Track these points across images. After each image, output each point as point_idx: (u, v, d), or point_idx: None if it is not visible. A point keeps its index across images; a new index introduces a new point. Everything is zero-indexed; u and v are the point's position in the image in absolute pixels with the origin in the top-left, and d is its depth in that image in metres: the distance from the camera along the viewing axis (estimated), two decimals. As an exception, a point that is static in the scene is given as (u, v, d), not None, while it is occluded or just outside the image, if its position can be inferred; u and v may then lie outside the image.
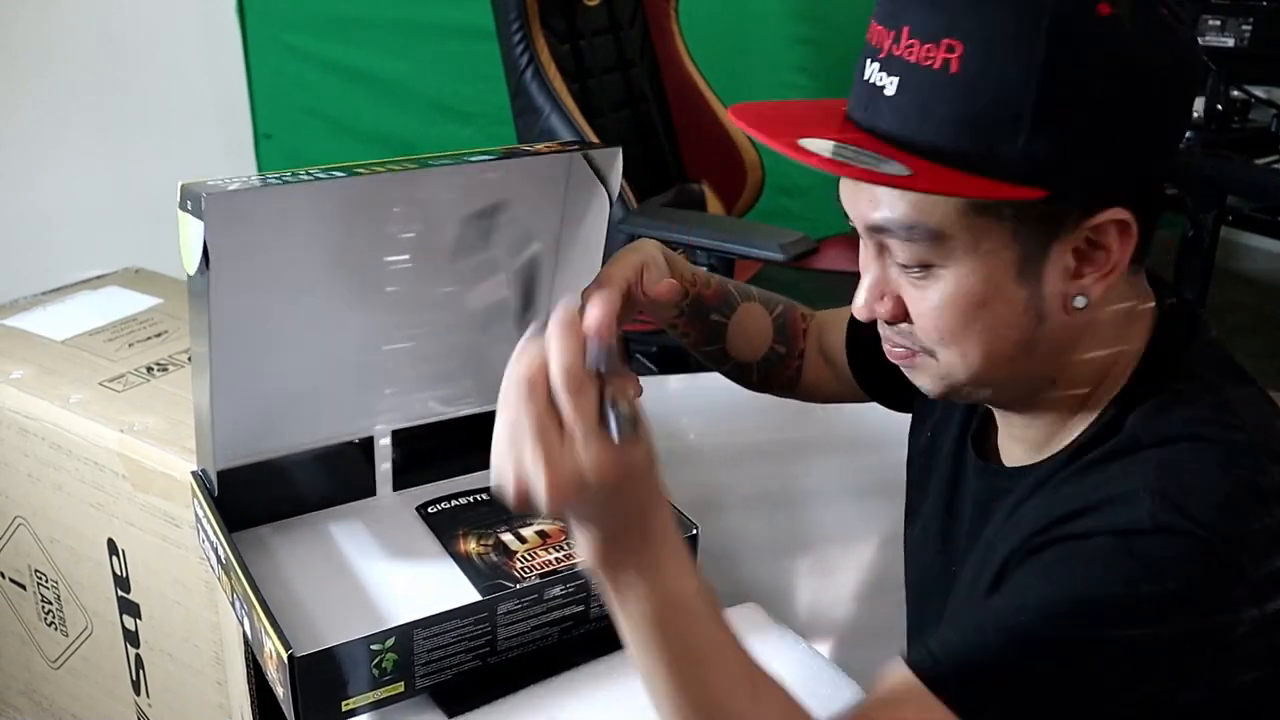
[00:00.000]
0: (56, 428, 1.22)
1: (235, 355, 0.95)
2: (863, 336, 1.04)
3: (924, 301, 0.76)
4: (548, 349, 0.63)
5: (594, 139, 1.98)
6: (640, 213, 1.90)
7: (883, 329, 0.80)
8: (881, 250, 0.77)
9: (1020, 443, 0.84)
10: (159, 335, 1.38)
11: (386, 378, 1.06)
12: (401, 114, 2.79)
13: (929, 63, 0.69)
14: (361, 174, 0.90)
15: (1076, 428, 0.79)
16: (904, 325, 0.78)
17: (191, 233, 0.86)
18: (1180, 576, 0.67)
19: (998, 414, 0.86)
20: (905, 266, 0.75)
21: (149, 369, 1.30)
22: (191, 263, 0.87)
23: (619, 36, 2.23)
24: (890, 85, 0.71)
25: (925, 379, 0.80)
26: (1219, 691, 0.69)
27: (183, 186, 0.86)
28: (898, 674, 0.70)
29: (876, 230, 0.75)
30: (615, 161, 1.00)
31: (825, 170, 0.71)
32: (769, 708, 0.70)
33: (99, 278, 1.57)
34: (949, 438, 0.94)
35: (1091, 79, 0.69)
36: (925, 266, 0.74)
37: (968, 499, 0.89)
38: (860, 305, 0.79)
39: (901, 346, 0.80)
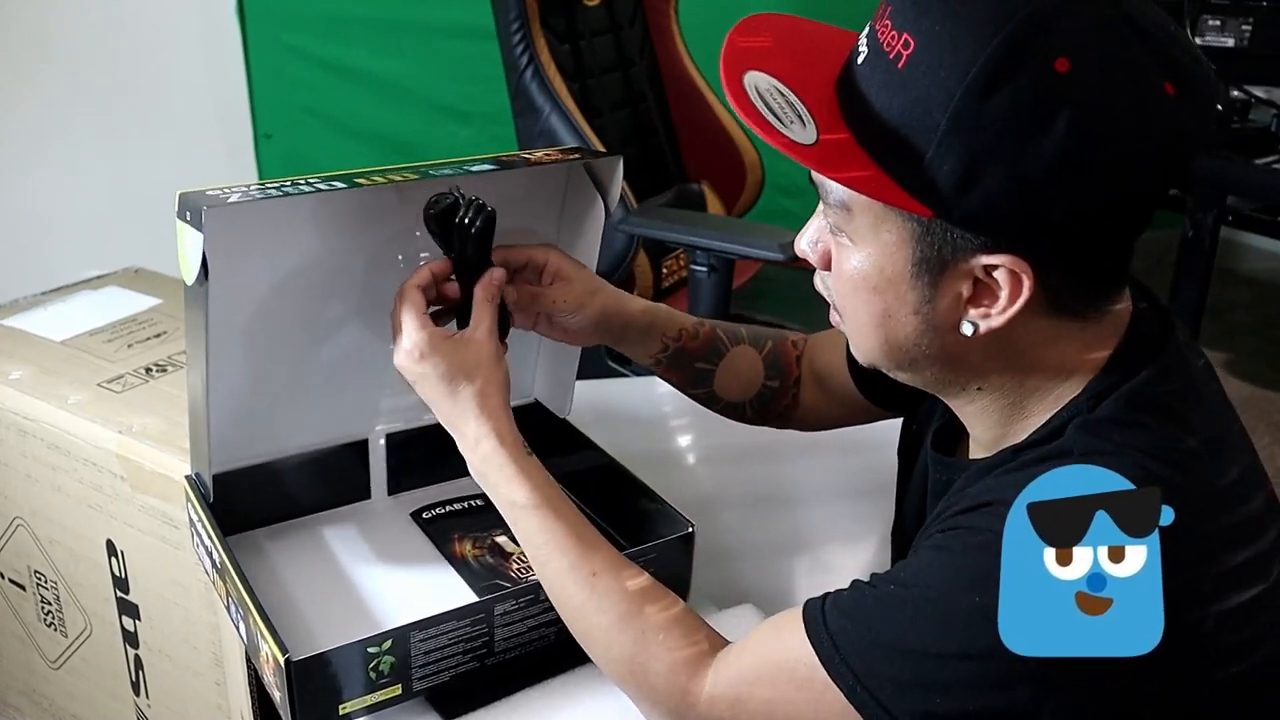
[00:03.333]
0: (55, 428, 1.22)
1: (230, 361, 0.96)
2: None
3: (837, 264, 0.78)
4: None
5: (594, 139, 1.98)
6: (640, 213, 1.90)
7: (816, 277, 0.84)
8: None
9: (975, 438, 0.84)
10: (158, 336, 1.38)
11: (382, 381, 1.06)
12: (401, 114, 2.79)
13: (888, 50, 0.70)
14: (362, 184, 0.90)
15: (1028, 429, 0.79)
16: (826, 277, 0.81)
17: (190, 243, 0.85)
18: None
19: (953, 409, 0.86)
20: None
21: (148, 370, 1.29)
22: (190, 273, 0.87)
23: (619, 36, 2.23)
24: (861, 55, 0.73)
25: (846, 338, 0.83)
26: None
27: (181, 196, 0.86)
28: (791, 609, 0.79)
29: (813, 183, 0.77)
30: (616, 170, 1.00)
31: (739, 116, 0.72)
32: (608, 600, 0.85)
33: (99, 278, 1.56)
34: (919, 434, 0.95)
35: (1018, 118, 0.66)
36: (840, 233, 0.77)
37: (926, 490, 0.90)
38: (799, 241, 0.82)
39: (827, 300, 0.83)
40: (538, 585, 0.94)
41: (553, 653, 0.97)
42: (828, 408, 1.10)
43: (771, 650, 0.78)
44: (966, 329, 0.74)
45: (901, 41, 0.69)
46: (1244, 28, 2.16)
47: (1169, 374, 0.76)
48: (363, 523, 1.10)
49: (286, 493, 1.07)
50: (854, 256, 0.76)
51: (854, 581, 0.77)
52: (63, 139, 2.53)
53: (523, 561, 1.03)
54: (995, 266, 0.71)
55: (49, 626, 1.37)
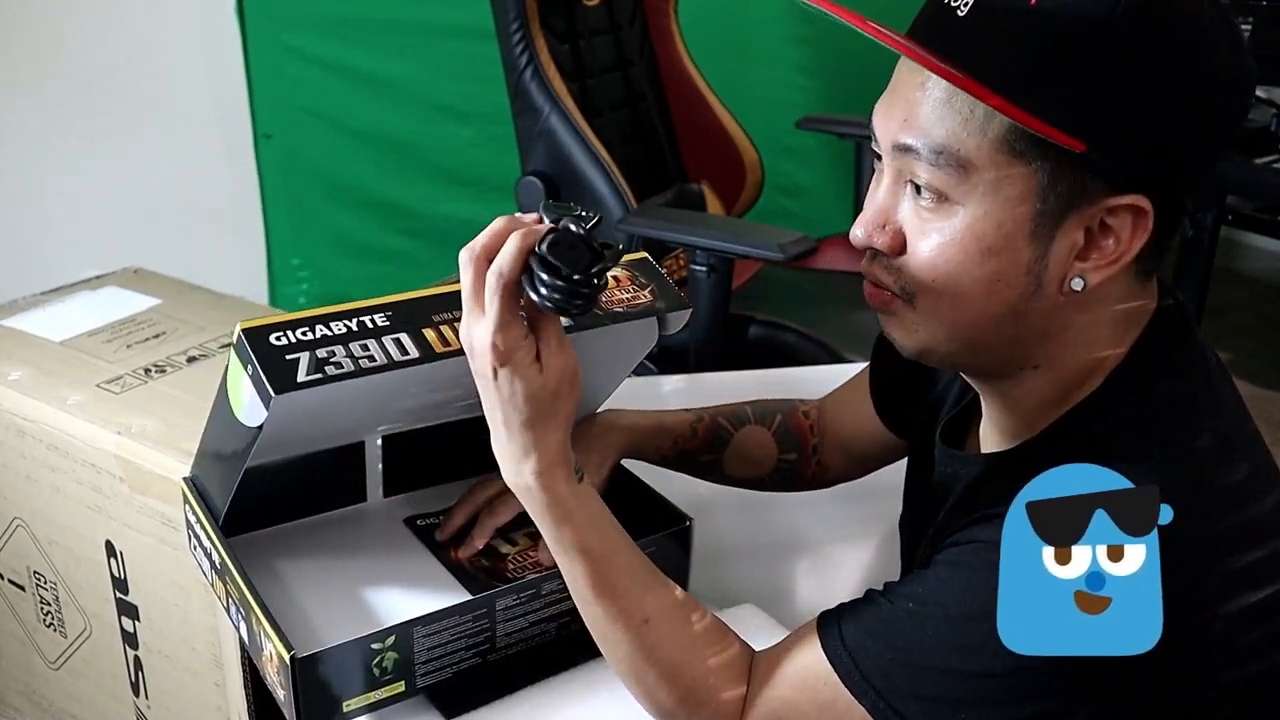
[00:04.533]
0: (54, 429, 1.22)
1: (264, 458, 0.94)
2: (884, 365, 1.05)
3: (928, 237, 0.73)
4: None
5: (593, 139, 1.98)
6: (640, 213, 1.90)
7: (869, 266, 0.77)
8: (898, 177, 0.74)
9: (997, 429, 0.83)
10: (157, 336, 1.38)
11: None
12: (401, 114, 2.78)
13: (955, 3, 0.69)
14: (438, 351, 0.85)
15: (1050, 419, 0.78)
16: (896, 261, 0.75)
17: (245, 392, 0.82)
18: None
19: (984, 399, 0.84)
20: (920, 195, 0.73)
21: (147, 370, 1.29)
22: (242, 413, 0.84)
23: (618, 36, 2.23)
24: (964, 6, 0.70)
25: (898, 330, 0.78)
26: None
27: (244, 333, 0.80)
28: (808, 621, 0.78)
29: (903, 150, 0.73)
30: (683, 318, 0.95)
31: (892, 47, 0.69)
32: (660, 599, 0.82)
33: (98, 278, 1.56)
34: (928, 431, 0.94)
35: (1165, 47, 0.68)
36: (942, 199, 0.72)
37: (933, 483, 0.89)
38: (859, 230, 0.76)
39: (884, 288, 0.77)
40: (538, 581, 0.94)
41: (554, 649, 0.96)
42: (859, 464, 1.11)
43: (791, 672, 0.78)
44: (1076, 284, 0.73)
45: None
46: (1244, 28, 2.16)
47: (1188, 373, 0.76)
48: (359, 526, 1.09)
49: (282, 495, 1.06)
50: (967, 219, 0.71)
51: (868, 592, 0.77)
52: (62, 139, 2.53)
53: (518, 562, 1.03)
54: (1120, 208, 0.71)
55: (48, 627, 1.37)
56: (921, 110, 0.72)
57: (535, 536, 1.06)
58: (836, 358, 1.75)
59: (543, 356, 0.77)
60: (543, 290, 0.74)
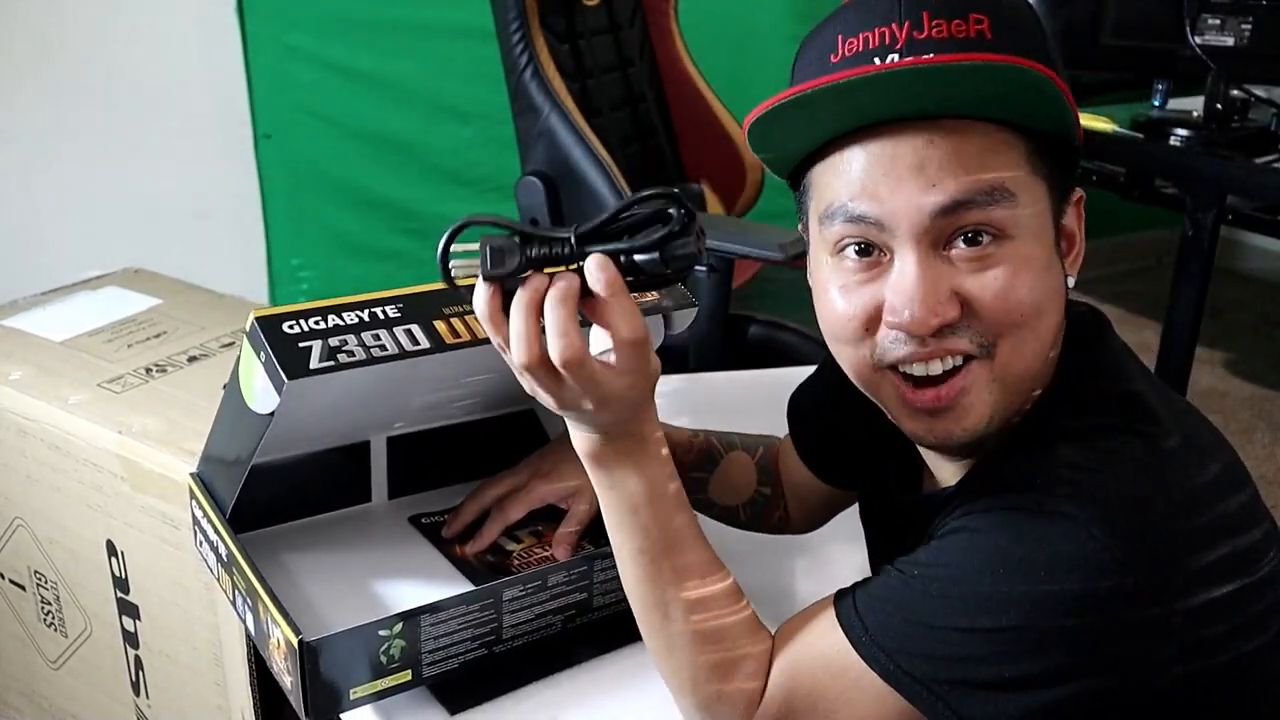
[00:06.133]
0: (55, 429, 1.22)
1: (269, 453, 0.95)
2: (805, 422, 1.08)
3: (992, 285, 0.71)
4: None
5: (593, 139, 1.98)
6: (640, 213, 1.90)
7: (941, 345, 0.73)
8: (934, 245, 0.72)
9: (944, 467, 0.83)
10: (158, 336, 1.38)
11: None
12: (401, 114, 2.79)
13: (963, 34, 0.70)
14: (449, 342, 0.85)
15: (993, 441, 0.78)
16: (964, 322, 0.72)
17: (258, 379, 0.83)
18: (1062, 562, 0.68)
19: (924, 447, 0.83)
20: (974, 245, 0.71)
21: (148, 370, 1.29)
22: (254, 401, 0.85)
23: (618, 36, 2.23)
24: (928, 57, 0.70)
25: (973, 409, 0.75)
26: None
27: (258, 321, 0.81)
28: (820, 601, 0.80)
29: (946, 211, 0.70)
30: (688, 317, 0.96)
31: (915, 65, 0.68)
32: (717, 587, 0.81)
33: (98, 278, 1.56)
34: (879, 477, 0.95)
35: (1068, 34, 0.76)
36: (999, 236, 0.71)
37: (895, 529, 0.89)
38: (920, 315, 0.71)
39: (958, 354, 0.73)
40: (544, 573, 0.94)
41: (559, 642, 0.97)
42: (811, 512, 1.11)
43: (806, 643, 0.79)
44: (1070, 282, 0.77)
45: (972, 22, 0.71)
46: (1244, 27, 2.16)
47: (1130, 373, 0.77)
48: (364, 524, 1.10)
49: (286, 495, 1.07)
50: (1018, 248, 0.72)
51: (882, 568, 0.78)
52: (62, 139, 2.53)
53: (523, 559, 1.03)
54: (1073, 203, 0.77)
55: (49, 627, 1.37)
56: (951, 164, 0.70)
57: (540, 535, 1.06)
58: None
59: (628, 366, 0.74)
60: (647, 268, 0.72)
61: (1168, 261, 2.33)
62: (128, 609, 1.24)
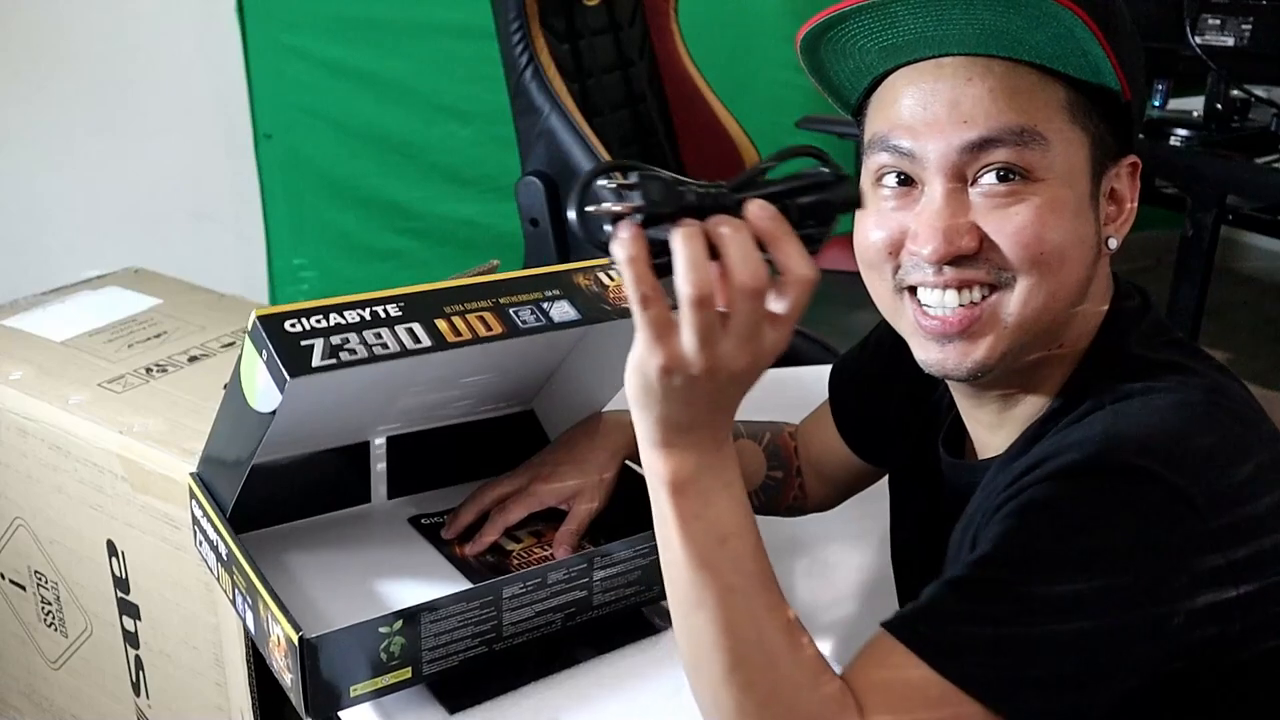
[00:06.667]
0: (56, 429, 1.22)
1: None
2: (846, 393, 1.07)
3: (1014, 220, 0.74)
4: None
5: (594, 139, 1.98)
6: (640, 213, 1.90)
7: (957, 275, 0.75)
8: (959, 180, 0.75)
9: (995, 431, 0.84)
10: (158, 336, 1.38)
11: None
12: (401, 114, 2.79)
13: None
14: (450, 341, 0.84)
15: (1043, 403, 0.80)
16: (983, 254, 0.75)
17: (260, 377, 0.83)
18: (1133, 516, 0.67)
19: (972, 409, 0.86)
20: (1001, 181, 0.74)
21: (148, 370, 1.29)
22: (255, 400, 0.85)
23: (618, 36, 2.23)
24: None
25: (987, 339, 0.76)
26: (1173, 648, 0.68)
27: (260, 319, 0.81)
28: (878, 635, 0.71)
29: (975, 148, 0.74)
30: None
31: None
32: (796, 633, 0.69)
33: (99, 278, 1.56)
34: (921, 450, 0.95)
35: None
36: (1026, 178, 0.74)
37: (946, 500, 0.89)
38: (933, 244, 0.74)
39: (975, 287, 0.76)
40: (544, 570, 0.94)
41: (558, 640, 0.97)
42: (833, 489, 1.12)
43: (890, 688, 0.69)
44: (1112, 243, 0.78)
45: None
46: (1244, 28, 2.16)
47: (1176, 339, 0.80)
48: (364, 524, 1.10)
49: (286, 495, 1.07)
50: (1049, 191, 0.74)
51: (930, 588, 0.72)
52: (63, 139, 2.53)
53: (522, 558, 1.03)
54: (1126, 167, 0.79)
55: (49, 627, 1.37)
56: (985, 102, 0.74)
57: (540, 535, 1.06)
58: (837, 358, 1.75)
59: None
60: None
61: (1168, 261, 2.33)
62: (128, 609, 1.24)
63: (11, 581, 1.38)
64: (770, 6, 2.93)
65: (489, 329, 0.87)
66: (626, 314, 0.87)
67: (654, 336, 0.63)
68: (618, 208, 0.63)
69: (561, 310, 0.91)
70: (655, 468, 0.68)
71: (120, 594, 1.24)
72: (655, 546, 0.95)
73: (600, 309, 0.92)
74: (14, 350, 1.34)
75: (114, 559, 1.23)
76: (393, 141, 2.80)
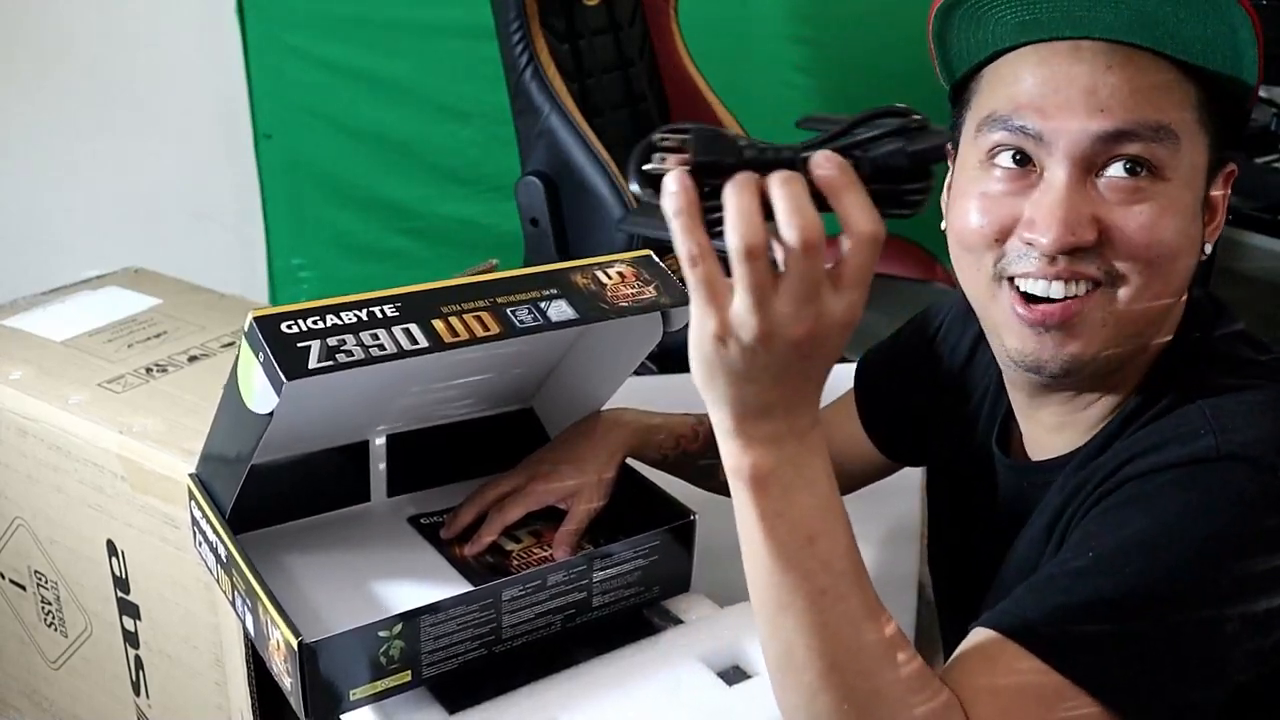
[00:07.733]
0: (56, 429, 1.22)
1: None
2: (874, 387, 1.06)
3: (1137, 218, 0.73)
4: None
5: (593, 139, 1.98)
6: (640, 213, 1.90)
7: (1069, 267, 0.73)
8: (1087, 169, 0.73)
9: (1058, 432, 0.82)
10: (158, 336, 1.38)
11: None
12: (401, 114, 2.78)
13: None
14: (447, 342, 0.84)
15: (1116, 402, 0.79)
16: (1099, 248, 0.73)
17: (257, 379, 0.83)
18: (1252, 502, 0.66)
19: (1034, 409, 0.83)
20: (1130, 176, 0.72)
21: (148, 370, 1.29)
22: (253, 401, 0.85)
23: (618, 36, 2.23)
24: None
25: (1081, 336, 0.75)
26: None
27: (256, 321, 0.80)
28: (980, 636, 0.67)
29: (1110, 139, 0.72)
30: (687, 314, 0.96)
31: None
32: (898, 641, 0.65)
33: (99, 278, 1.56)
34: (969, 450, 0.93)
35: None
36: (1156, 175, 0.72)
37: (999, 501, 0.88)
38: (1055, 232, 0.72)
39: (1082, 280, 0.74)
40: (543, 572, 0.94)
41: (558, 642, 0.97)
42: (843, 482, 1.11)
43: (1005, 692, 0.66)
44: (1207, 249, 0.77)
45: None
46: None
47: (1252, 339, 0.79)
48: (363, 524, 1.09)
49: (286, 495, 1.07)
50: (1172, 190, 0.73)
51: (1029, 583, 0.70)
52: (63, 139, 2.53)
53: (522, 559, 1.03)
54: (1225, 175, 0.77)
55: (49, 627, 1.37)
56: (1123, 93, 0.72)
57: (539, 535, 1.06)
58: (844, 358, 1.75)
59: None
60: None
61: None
62: (128, 609, 1.24)
63: (11, 581, 1.38)
64: (770, 6, 2.92)
65: (486, 329, 0.87)
66: (624, 313, 0.87)
67: (705, 298, 0.58)
68: (670, 162, 0.58)
69: (559, 309, 0.90)
70: (730, 460, 0.63)
71: (120, 594, 1.24)
72: (655, 546, 0.95)
73: (598, 308, 0.92)
74: (14, 350, 1.34)
75: (114, 559, 1.23)
76: (393, 141, 2.80)
